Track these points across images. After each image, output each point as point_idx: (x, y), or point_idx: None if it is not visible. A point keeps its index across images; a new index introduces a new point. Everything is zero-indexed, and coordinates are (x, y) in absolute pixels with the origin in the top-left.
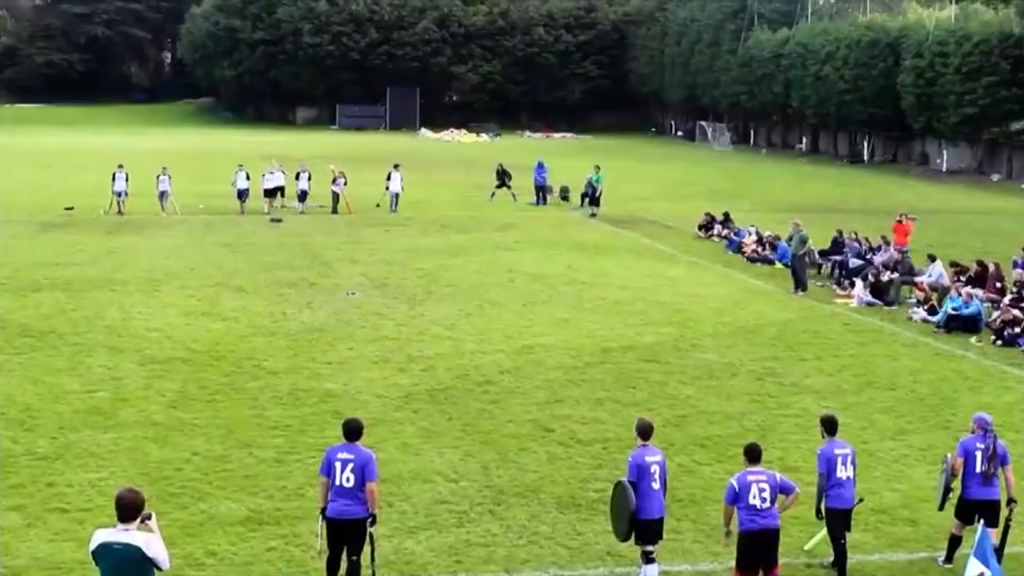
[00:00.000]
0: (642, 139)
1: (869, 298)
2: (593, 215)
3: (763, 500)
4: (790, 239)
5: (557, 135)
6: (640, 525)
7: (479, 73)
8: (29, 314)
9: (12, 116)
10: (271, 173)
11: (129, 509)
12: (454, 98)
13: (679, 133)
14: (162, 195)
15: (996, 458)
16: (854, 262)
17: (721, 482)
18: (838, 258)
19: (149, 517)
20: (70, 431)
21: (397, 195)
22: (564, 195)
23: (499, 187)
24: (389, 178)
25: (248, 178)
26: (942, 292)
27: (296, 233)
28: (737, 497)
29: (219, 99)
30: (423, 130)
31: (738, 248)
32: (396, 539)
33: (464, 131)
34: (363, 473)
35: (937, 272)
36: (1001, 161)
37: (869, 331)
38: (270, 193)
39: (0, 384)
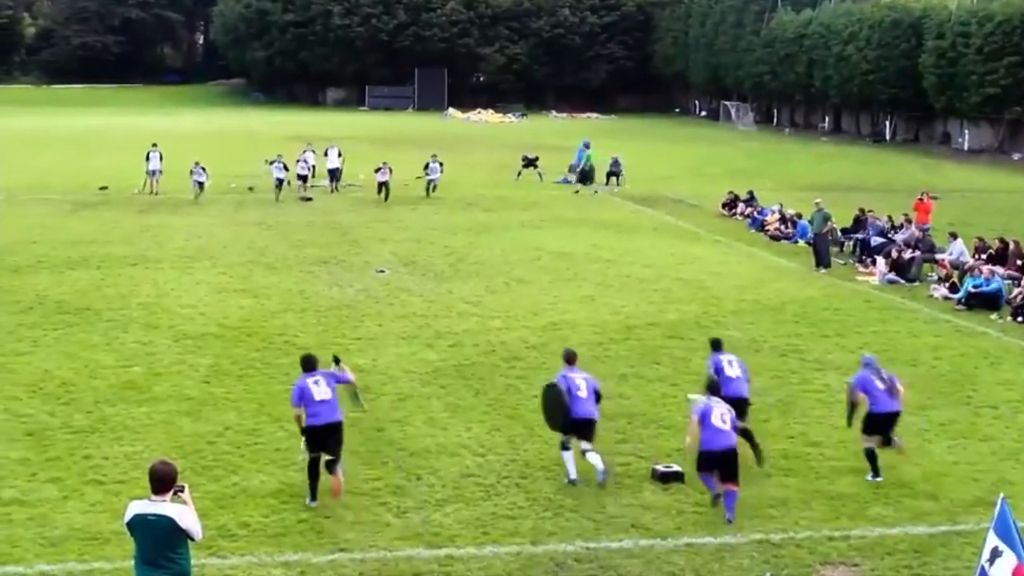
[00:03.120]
0: (666, 120)
1: (891, 276)
2: (577, 192)
3: (723, 421)
4: (811, 221)
5: (582, 116)
6: (575, 422)
7: (505, 54)
8: (65, 291)
9: (48, 97)
10: (303, 158)
11: (163, 481)
12: (481, 79)
13: (703, 113)
14: (152, 173)
15: (888, 383)
16: (876, 240)
17: (743, 456)
18: (860, 236)
19: (182, 489)
20: (105, 405)
21: (434, 181)
22: (588, 175)
23: (525, 167)
24: (427, 168)
25: (286, 168)
26: (963, 270)
27: (326, 212)
28: (703, 418)
29: (250, 81)
30: (450, 111)
31: (761, 226)
32: (424, 511)
33: (491, 112)
34: (335, 380)
35: (958, 250)
36: (1022, 141)
37: (890, 308)
38: (302, 177)
39: (37, 359)
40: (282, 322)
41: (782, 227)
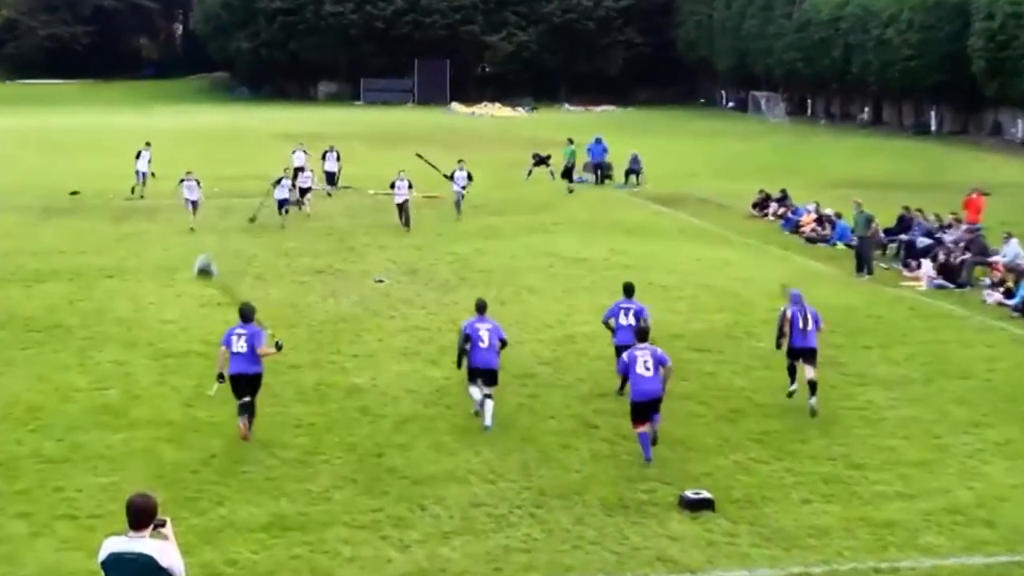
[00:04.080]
0: (690, 112)
1: (939, 280)
2: (571, 191)
3: (647, 369)
4: (855, 226)
5: (598, 109)
6: (477, 371)
7: (513, 42)
8: (34, 306)
9: (13, 94)
10: (294, 155)
11: (142, 515)
12: (487, 70)
13: (730, 104)
14: (139, 174)
15: (811, 319)
16: (922, 241)
17: (780, 481)
18: (905, 237)
19: (163, 524)
20: (79, 432)
21: (459, 195)
22: (606, 173)
23: (536, 165)
24: (452, 177)
25: (294, 185)
26: (1019, 273)
27: (320, 216)
28: (627, 367)
29: (235, 74)
30: (454, 104)
31: (795, 228)
32: (429, 544)
33: (498, 105)
34: (253, 341)
35: (1013, 251)
36: None
37: (939, 316)
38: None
39: (4, 382)
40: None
41: (818, 228)
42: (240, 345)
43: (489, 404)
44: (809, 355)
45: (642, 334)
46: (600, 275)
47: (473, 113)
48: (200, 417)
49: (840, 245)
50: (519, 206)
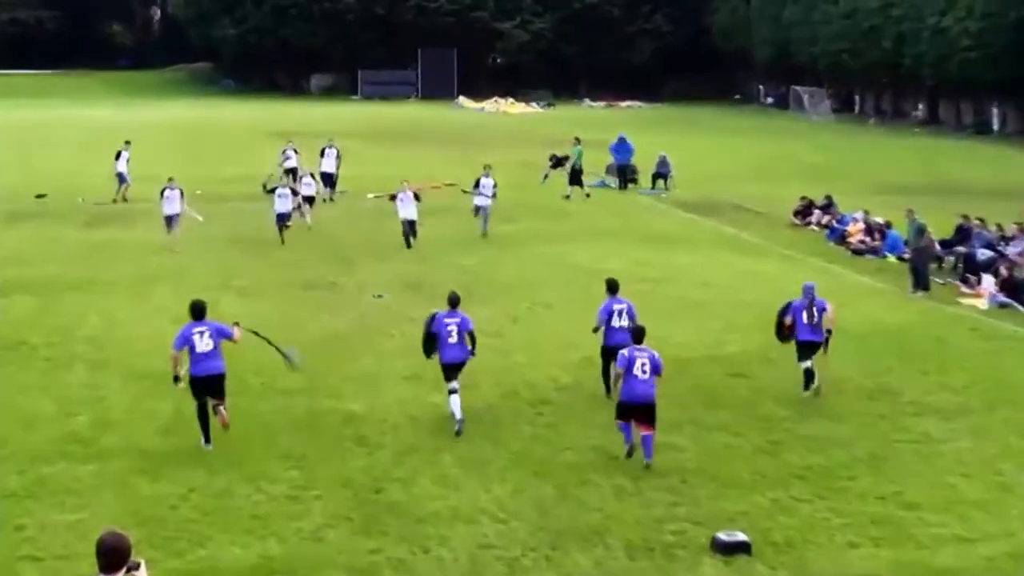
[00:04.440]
0: (725, 108)
1: (1002, 297)
2: (568, 196)
3: (643, 372)
4: (908, 238)
5: (622, 104)
6: (447, 367)
7: (528, 30)
8: None
9: None
10: (284, 156)
11: (113, 556)
12: (498, 60)
13: (769, 100)
14: (119, 177)
15: (817, 312)
16: (983, 254)
17: (824, 522)
18: (963, 250)
19: (137, 567)
20: (43, 463)
21: (485, 209)
22: (631, 177)
23: (554, 168)
24: (478, 185)
25: (294, 193)
26: None
27: (312, 223)
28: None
29: (219, 64)
30: (461, 99)
31: (841, 238)
32: None
33: (510, 100)
34: (218, 335)
35: None
36: None
37: (1002, 337)
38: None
39: None
40: (259, 359)
41: (867, 239)
42: (205, 343)
43: (455, 399)
44: (814, 348)
45: (638, 335)
46: (624, 290)
47: (483, 109)
48: (179, 446)
49: (891, 258)
50: (534, 213)
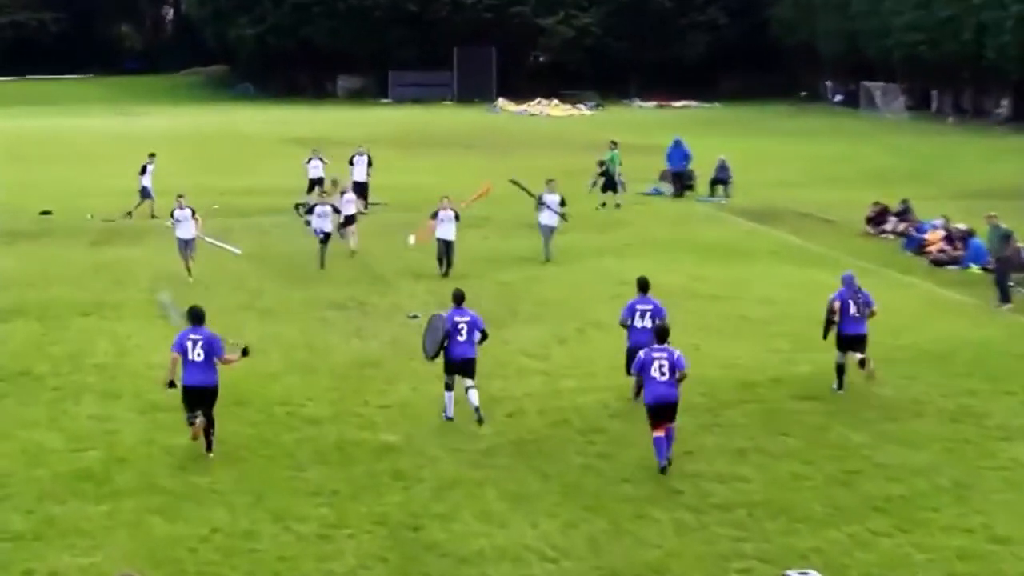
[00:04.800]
0: (788, 107)
1: None
2: (604, 205)
3: (662, 373)
4: (991, 246)
5: (676, 104)
6: (455, 364)
7: (572, 26)
8: None
9: None
10: (309, 164)
11: None
12: (540, 59)
13: (837, 98)
14: (144, 192)
15: (863, 304)
16: None
17: (906, 558)
18: None
19: None
20: (52, 502)
21: (550, 229)
22: (687, 183)
23: (603, 174)
24: (541, 202)
25: (336, 211)
26: None
27: (339, 238)
28: (642, 368)
29: (236, 67)
30: (501, 101)
31: (920, 247)
32: None
33: (554, 102)
34: (211, 349)
35: None
36: None
37: None
38: (308, 189)
39: None
40: (284, 387)
41: (948, 248)
42: (196, 353)
43: (474, 392)
44: (859, 343)
45: (661, 335)
46: (681, 306)
47: (524, 111)
48: (198, 483)
49: (975, 268)
50: (582, 223)
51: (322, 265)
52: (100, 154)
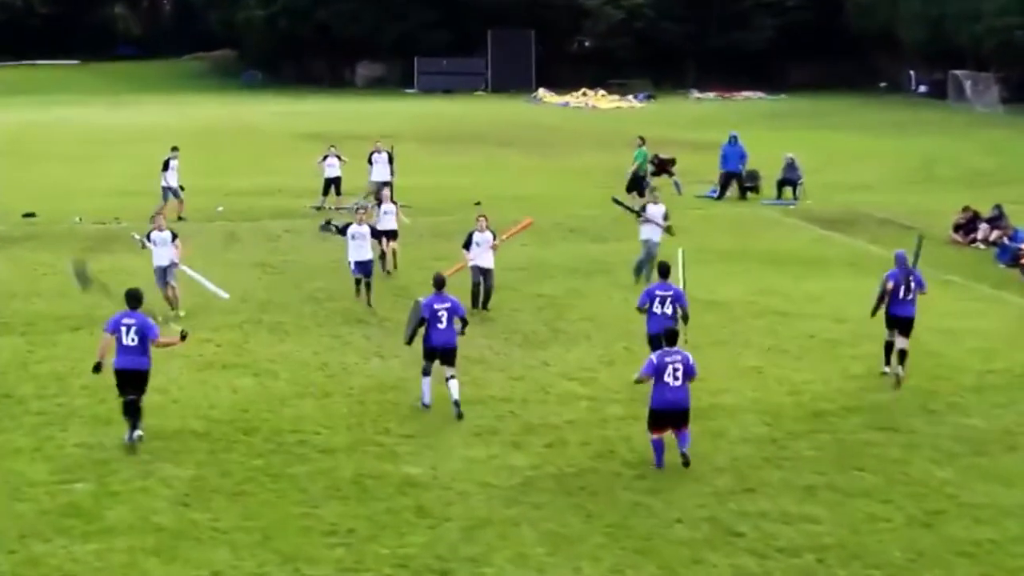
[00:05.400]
0: (865, 99)
1: None
2: (641, 211)
3: (676, 379)
4: None
5: (739, 96)
6: (435, 351)
7: (622, 6)
8: None
9: None
10: (325, 162)
11: None
12: (585, 44)
13: (922, 89)
14: (168, 191)
15: (914, 285)
16: None
17: None
18: None
19: None
20: (36, 540)
21: (654, 245)
22: (750, 184)
23: (656, 174)
24: (644, 212)
25: (374, 233)
26: None
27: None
28: (656, 373)
29: (243, 53)
30: (541, 91)
31: (1014, 259)
32: None
33: (601, 92)
34: (145, 333)
35: None
36: None
37: None
38: (324, 190)
39: None
40: (296, 412)
41: None
42: (130, 337)
43: (455, 383)
44: (905, 325)
45: (672, 337)
46: (743, 324)
47: (567, 103)
48: (199, 520)
49: None
50: (631, 229)
51: (369, 303)
52: (90, 150)
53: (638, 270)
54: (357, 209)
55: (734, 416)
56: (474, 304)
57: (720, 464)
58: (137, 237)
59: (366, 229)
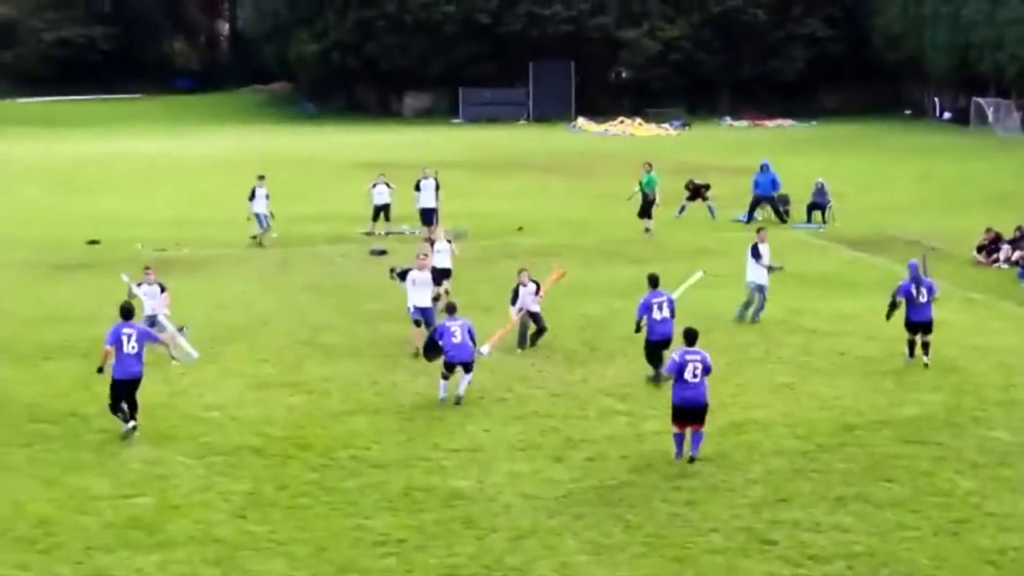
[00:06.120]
0: (893, 125)
1: None
2: (647, 230)
3: (695, 376)
4: None
5: (771, 123)
6: (451, 365)
7: (658, 38)
8: (39, 391)
9: (13, 114)
10: (374, 188)
11: None
12: (623, 75)
13: (947, 115)
14: (259, 217)
15: (926, 290)
16: None
17: None
18: None
19: None
20: (100, 552)
21: (764, 291)
22: (782, 209)
23: (691, 199)
24: (757, 253)
25: (436, 278)
26: None
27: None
28: (678, 371)
29: (298, 85)
30: (580, 120)
31: None
32: None
33: (638, 121)
34: (144, 339)
35: None
36: None
37: None
38: (374, 216)
39: (3, 488)
40: (348, 429)
41: None
42: (131, 345)
43: (466, 381)
44: (926, 327)
45: (691, 337)
46: (776, 342)
47: (605, 131)
48: (256, 532)
49: None
50: (667, 252)
51: (422, 355)
52: (151, 180)
53: (746, 313)
54: (418, 255)
55: (767, 430)
56: (520, 343)
57: (754, 476)
58: (126, 279)
59: (427, 275)
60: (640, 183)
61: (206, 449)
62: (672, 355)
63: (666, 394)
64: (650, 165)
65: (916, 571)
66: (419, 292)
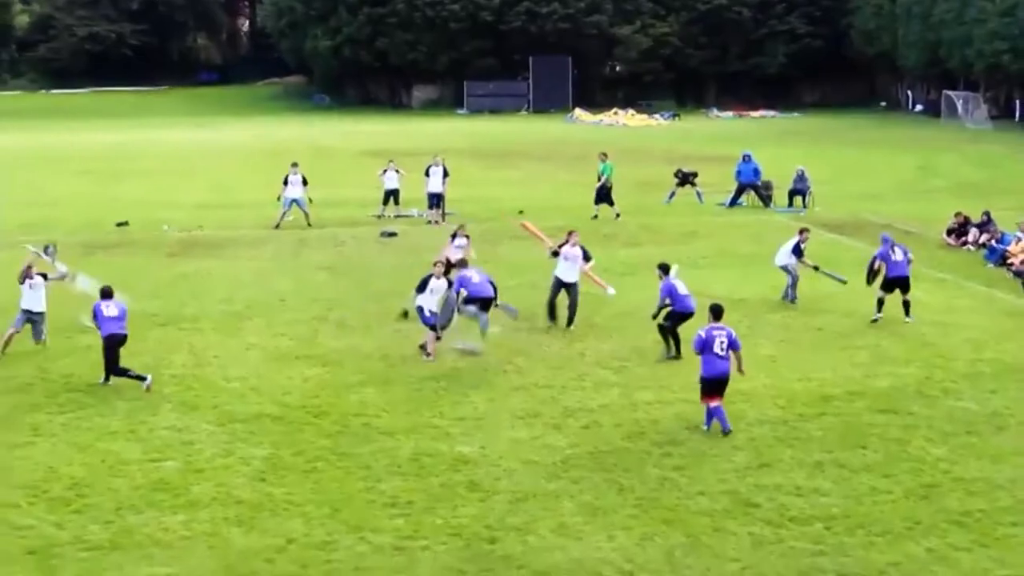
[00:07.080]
0: (868, 117)
1: None
2: (617, 215)
3: (722, 350)
4: None
5: (755, 114)
6: (471, 300)
7: (650, 35)
8: (73, 362)
9: (47, 105)
10: (384, 175)
11: None
12: (617, 68)
13: (918, 108)
14: (290, 203)
15: (900, 251)
16: None
17: (986, 573)
18: None
19: None
20: (130, 512)
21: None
22: (764, 194)
23: (680, 185)
24: (799, 252)
25: (449, 282)
26: None
27: (415, 249)
28: (704, 345)
29: (312, 78)
30: (577, 112)
31: (1002, 260)
32: None
33: (631, 112)
34: (123, 310)
35: None
36: None
37: None
38: (384, 201)
39: (39, 453)
40: (360, 398)
41: None
42: (111, 311)
43: (485, 316)
44: (903, 283)
45: (718, 313)
46: (761, 318)
47: (600, 121)
48: (275, 494)
49: None
50: (659, 235)
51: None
52: (175, 167)
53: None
54: (435, 263)
55: (751, 400)
56: (551, 316)
57: (738, 443)
58: (33, 249)
59: (444, 283)
60: (600, 171)
61: (228, 417)
62: (699, 331)
63: (657, 368)
64: (605, 155)
65: (889, 531)
66: (434, 299)
